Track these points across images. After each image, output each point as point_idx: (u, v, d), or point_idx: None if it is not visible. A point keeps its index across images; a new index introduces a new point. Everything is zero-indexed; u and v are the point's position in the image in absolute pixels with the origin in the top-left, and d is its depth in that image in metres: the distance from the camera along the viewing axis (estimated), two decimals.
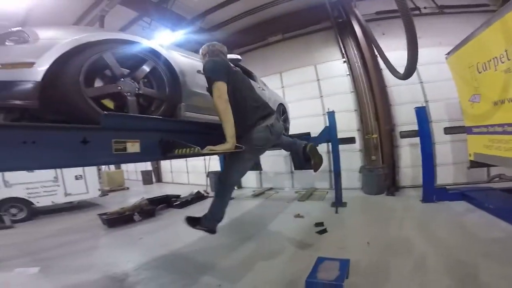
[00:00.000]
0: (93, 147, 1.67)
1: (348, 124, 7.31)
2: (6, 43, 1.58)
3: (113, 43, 1.97)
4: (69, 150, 1.60)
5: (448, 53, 5.21)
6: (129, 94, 1.99)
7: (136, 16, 6.86)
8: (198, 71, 2.64)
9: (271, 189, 8.52)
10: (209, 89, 2.25)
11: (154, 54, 2.25)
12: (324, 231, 4.27)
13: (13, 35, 1.60)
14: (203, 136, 2.53)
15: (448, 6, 6.76)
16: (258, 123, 2.35)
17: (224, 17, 7.58)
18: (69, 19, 6.71)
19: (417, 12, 6.87)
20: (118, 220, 5.59)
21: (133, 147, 1.89)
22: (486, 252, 3.07)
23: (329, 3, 6.87)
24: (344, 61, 7.54)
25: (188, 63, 2.61)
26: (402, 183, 6.97)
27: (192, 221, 2.73)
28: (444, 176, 6.59)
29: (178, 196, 7.55)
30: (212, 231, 2.64)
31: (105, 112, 1.77)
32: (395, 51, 5.91)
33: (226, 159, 2.58)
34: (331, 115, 5.79)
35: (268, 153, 7.72)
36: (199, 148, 1.93)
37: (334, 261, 2.85)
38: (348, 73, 7.50)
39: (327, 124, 6.01)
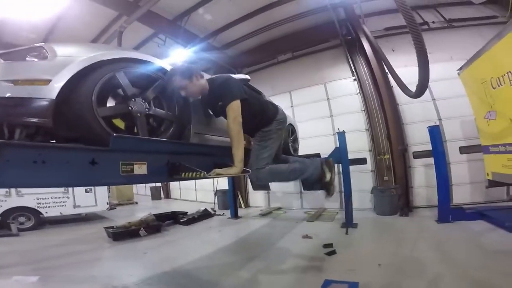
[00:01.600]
0: (101, 168, 1.67)
1: (359, 144, 7.16)
2: (27, 58, 1.60)
3: (126, 62, 1.98)
4: (78, 170, 1.61)
5: (460, 68, 5.10)
6: (139, 114, 1.98)
7: (152, 33, 7.17)
8: None
9: (279, 208, 8.33)
10: (220, 109, 2.26)
11: (165, 74, 2.23)
12: (333, 252, 4.07)
13: (33, 51, 1.63)
14: (210, 158, 2.53)
15: (456, 19, 6.75)
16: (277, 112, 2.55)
17: (234, 35, 7.81)
18: (90, 34, 7.08)
19: (426, 27, 6.89)
20: (124, 234, 5.56)
21: (140, 169, 1.88)
22: (508, 272, 2.84)
23: (338, 20, 6.97)
24: (354, 79, 7.52)
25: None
26: (416, 203, 6.69)
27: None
28: (461, 195, 6.28)
29: (185, 213, 7.47)
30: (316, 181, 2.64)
31: (115, 134, 1.76)
32: (405, 67, 5.90)
33: (254, 148, 2.46)
34: (341, 135, 5.72)
35: None
36: (205, 172, 1.93)
37: (342, 284, 2.68)
38: (358, 91, 7.45)
39: (337, 145, 5.92)
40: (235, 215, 7.43)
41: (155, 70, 2.16)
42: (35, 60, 1.60)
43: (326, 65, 8.04)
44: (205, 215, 7.58)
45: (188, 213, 7.51)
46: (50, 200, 6.77)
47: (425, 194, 6.66)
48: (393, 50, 6.65)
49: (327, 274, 3.30)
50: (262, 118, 2.46)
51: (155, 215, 6.68)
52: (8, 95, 1.46)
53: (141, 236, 5.65)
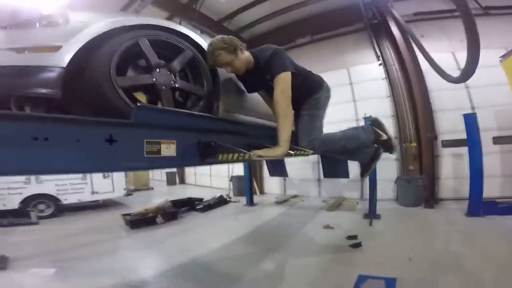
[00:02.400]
0: (120, 148, 1.38)
1: None
2: (37, 25, 1.43)
3: (151, 29, 1.80)
4: (91, 151, 1.31)
5: (503, 56, 4.69)
6: (164, 87, 1.78)
7: (167, 16, 6.87)
8: None
9: (295, 196, 8.15)
10: (268, 82, 2.06)
11: (193, 44, 2.04)
12: (358, 244, 3.89)
13: (43, 18, 1.45)
14: (244, 138, 2.31)
15: (493, 7, 6.18)
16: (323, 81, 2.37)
17: (250, 18, 7.47)
18: None
19: (458, 14, 6.33)
20: (141, 221, 5.53)
21: (168, 149, 1.61)
22: None
23: (363, 3, 6.54)
24: (380, 64, 7.11)
25: None
26: (441, 195, 6.36)
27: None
28: (492, 189, 5.86)
29: (201, 200, 7.42)
30: (376, 154, 2.55)
31: (138, 103, 1.53)
32: (437, 54, 5.43)
33: (303, 119, 2.25)
34: (367, 120, 5.40)
35: (293, 159, 7.48)
36: (249, 154, 1.68)
37: (378, 280, 2.50)
38: (384, 76, 7.05)
39: None
40: (251, 202, 7.32)
41: (182, 40, 1.96)
42: (44, 27, 1.43)
43: (349, 49, 7.63)
44: (221, 201, 7.52)
45: (203, 200, 7.46)
46: (69, 186, 6.79)
47: (452, 186, 6.32)
48: (422, 36, 6.13)
49: (356, 268, 3.13)
50: (310, 84, 2.26)
51: (171, 201, 6.65)
52: (11, 64, 1.28)
53: (158, 223, 5.62)
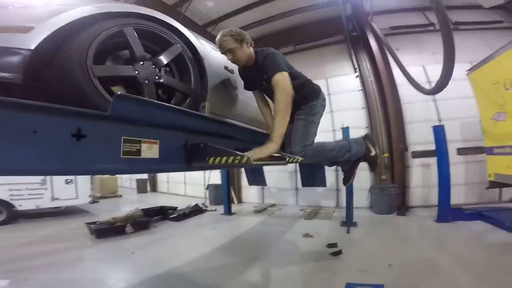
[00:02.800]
0: (91, 146, 1.13)
1: None
2: (10, 7, 1.30)
3: (138, 18, 1.66)
4: (52, 147, 1.03)
5: (470, 69, 5.07)
6: (147, 81, 1.62)
7: None
8: (226, 67, 2.36)
9: (273, 205, 8.10)
10: (264, 82, 2.07)
11: (182, 39, 1.93)
12: (339, 252, 3.88)
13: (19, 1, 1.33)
14: (232, 142, 2.19)
15: (462, 22, 6.75)
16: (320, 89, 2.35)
17: (235, 25, 7.25)
18: None
19: (432, 28, 6.86)
20: (108, 230, 5.10)
21: (150, 150, 1.39)
22: None
23: (345, 16, 6.81)
24: (357, 76, 7.39)
25: (216, 56, 2.30)
26: (412, 203, 6.68)
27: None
28: (457, 196, 6.27)
29: (174, 208, 7.06)
30: (355, 162, 2.57)
31: (119, 93, 1.31)
32: (409, 67, 5.77)
33: (298, 125, 2.20)
34: (345, 131, 5.60)
35: (271, 168, 7.42)
36: (248, 156, 1.51)
37: (366, 287, 2.47)
38: (360, 88, 7.33)
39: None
40: (228, 211, 7.12)
41: (171, 34, 1.84)
42: (19, 8, 1.31)
43: (328, 60, 7.89)
44: (197, 210, 7.21)
45: (178, 208, 7.11)
46: (25, 192, 6.15)
47: (421, 194, 6.67)
48: (397, 49, 6.50)
49: (339, 275, 3.12)
50: (309, 91, 2.25)
51: (142, 210, 6.23)
52: None
53: (127, 233, 5.21)
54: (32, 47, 1.19)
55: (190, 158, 1.67)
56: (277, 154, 1.91)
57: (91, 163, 1.21)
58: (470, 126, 6.07)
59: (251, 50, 2.13)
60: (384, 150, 6.71)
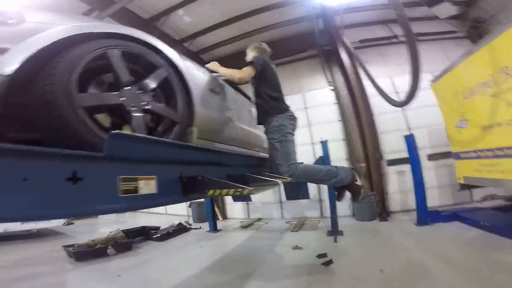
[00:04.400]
0: (88, 188, 1.11)
1: (336, 153, 7.22)
2: None
3: (121, 40, 1.57)
4: (47, 193, 0.99)
5: (433, 80, 5.52)
6: (134, 109, 1.51)
7: None
8: (211, 89, 2.33)
9: (259, 219, 8.05)
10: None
11: (167, 61, 1.84)
12: (329, 262, 3.94)
13: None
14: (224, 169, 2.19)
15: (422, 33, 7.26)
16: (289, 108, 2.62)
17: (211, 41, 7.62)
18: None
19: (395, 40, 7.41)
20: (88, 253, 4.84)
21: (147, 186, 1.38)
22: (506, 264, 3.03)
23: (318, 31, 7.17)
24: (331, 89, 7.71)
25: (201, 77, 2.25)
26: (392, 208, 6.96)
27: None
28: (430, 199, 6.67)
29: (157, 228, 6.81)
30: (345, 186, 2.58)
31: (114, 131, 1.23)
32: (377, 79, 6.14)
33: (275, 147, 2.38)
34: (324, 144, 5.77)
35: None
36: (250, 189, 1.54)
37: None
38: (335, 101, 7.65)
39: (315, 154, 5.91)
40: (214, 229, 6.96)
41: (156, 56, 1.76)
42: None
43: (304, 74, 8.17)
44: (181, 229, 6.98)
45: (160, 228, 6.85)
46: None
47: (399, 199, 6.99)
48: (367, 62, 6.94)
49: (335, 285, 3.18)
50: (277, 101, 2.57)
51: (123, 231, 5.94)
52: None
53: (109, 255, 4.96)
54: (8, 72, 1.06)
55: (187, 190, 1.65)
56: (269, 178, 1.99)
57: (89, 205, 1.16)
58: (437, 133, 6.52)
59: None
60: (361, 160, 6.98)
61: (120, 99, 1.47)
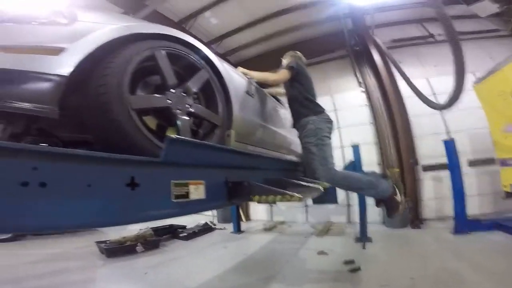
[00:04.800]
0: (144, 194, 1.10)
1: (367, 157, 6.87)
2: (33, 23, 1.15)
3: (167, 41, 1.56)
4: (107, 200, 0.98)
5: (476, 81, 5.10)
6: (179, 112, 1.50)
7: None
8: (247, 92, 2.32)
9: (283, 222, 7.93)
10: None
11: (208, 63, 1.83)
12: (357, 269, 3.76)
13: (43, 16, 1.19)
14: (262, 172, 2.17)
15: (462, 32, 6.78)
16: (325, 111, 2.61)
17: (239, 42, 7.65)
18: None
19: (432, 39, 6.98)
20: (119, 250, 5.01)
21: (197, 191, 1.37)
22: None
23: (346, 31, 6.95)
24: (362, 91, 7.42)
25: (237, 80, 2.25)
26: (425, 215, 6.53)
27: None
28: (470, 207, 6.14)
29: (184, 227, 6.95)
30: (387, 198, 2.46)
31: (172, 136, 1.25)
32: (413, 80, 5.78)
33: (311, 151, 2.33)
34: (356, 148, 5.55)
35: None
36: (299, 196, 1.53)
37: None
38: (366, 103, 7.34)
39: (345, 158, 5.67)
40: (238, 230, 6.98)
41: (199, 58, 1.75)
42: (44, 24, 1.15)
43: (333, 76, 7.93)
44: (206, 229, 7.08)
45: (187, 227, 6.99)
46: None
47: (434, 206, 6.54)
48: (400, 62, 6.60)
49: None
50: (312, 103, 2.58)
51: (152, 228, 6.14)
52: None
53: (138, 252, 5.13)
54: (67, 73, 1.04)
55: (232, 195, 1.63)
56: (310, 185, 1.96)
57: (145, 210, 1.15)
58: (479, 137, 6.04)
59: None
60: (394, 165, 6.61)
61: (167, 101, 1.46)
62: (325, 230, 6.56)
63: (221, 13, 6.46)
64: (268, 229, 7.16)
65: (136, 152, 1.17)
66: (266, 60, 8.13)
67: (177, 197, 1.24)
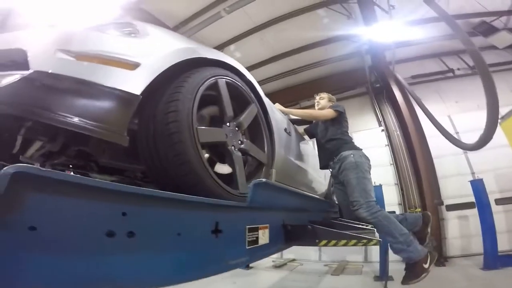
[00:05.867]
0: (225, 241, 0.99)
1: (387, 197, 6.54)
2: (109, 32, 1.05)
3: (225, 70, 1.46)
4: (193, 249, 0.87)
5: (502, 118, 4.97)
6: (233, 147, 1.37)
7: None
8: (285, 129, 2.22)
9: (293, 260, 7.46)
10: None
11: (257, 97, 1.73)
12: None
13: (117, 26, 1.09)
14: (306, 215, 2.13)
15: None
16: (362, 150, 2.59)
17: (261, 76, 7.74)
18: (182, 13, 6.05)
19: (451, 74, 6.94)
20: None
21: (264, 236, 1.29)
22: None
23: (367, 67, 7.01)
24: (382, 130, 7.23)
25: (279, 117, 2.14)
26: (450, 253, 6.20)
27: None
28: (499, 244, 5.70)
29: None
30: (425, 260, 2.17)
31: (260, 179, 1.18)
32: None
33: (351, 184, 2.22)
34: (378, 189, 5.44)
35: None
36: (378, 240, 1.52)
37: None
38: (386, 143, 7.12)
39: None
40: (246, 265, 6.58)
41: (249, 90, 1.65)
42: (117, 36, 1.05)
43: (352, 113, 7.49)
44: None
45: None
46: None
47: (459, 244, 6.22)
48: (421, 99, 6.60)
49: None
50: (351, 140, 2.66)
51: None
52: (59, 71, 0.82)
53: None
54: (139, 92, 0.93)
55: (288, 238, 1.55)
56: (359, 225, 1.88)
57: (224, 260, 1.04)
58: (506, 177, 5.90)
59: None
60: (416, 206, 6.38)
61: (225, 136, 1.34)
62: (341, 268, 6.16)
63: (244, 47, 6.66)
64: (278, 266, 6.76)
65: (196, 191, 1.04)
66: (286, 95, 8.29)
67: (250, 243, 1.15)
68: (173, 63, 1.07)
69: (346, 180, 2.27)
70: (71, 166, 1.38)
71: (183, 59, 1.13)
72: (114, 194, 0.62)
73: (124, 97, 0.89)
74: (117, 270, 0.63)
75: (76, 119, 0.80)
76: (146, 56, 1.00)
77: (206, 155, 1.34)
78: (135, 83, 0.92)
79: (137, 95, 0.91)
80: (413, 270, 2.19)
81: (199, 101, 1.19)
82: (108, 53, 0.93)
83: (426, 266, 2.20)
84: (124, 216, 0.62)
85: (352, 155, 2.34)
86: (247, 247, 1.11)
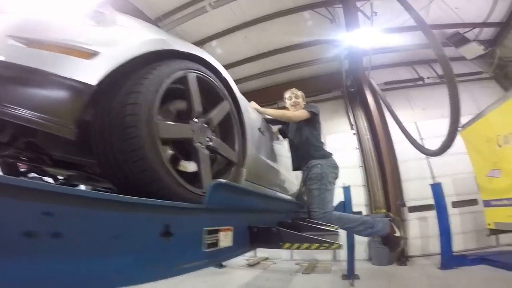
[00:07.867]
0: (176, 244, 0.94)
1: (355, 199, 6.69)
2: (67, 20, 1.02)
3: (197, 64, 1.39)
4: (138, 252, 0.81)
5: (462, 126, 5.34)
6: (199, 145, 1.30)
7: None
8: (259, 129, 2.19)
9: (266, 259, 7.57)
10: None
11: (229, 93, 1.66)
12: None
13: (83, 14, 1.05)
14: (275, 216, 2.11)
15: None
16: (332, 156, 2.62)
17: (240, 74, 7.73)
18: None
19: (421, 82, 7.27)
20: None
21: (226, 238, 1.24)
22: None
23: (345, 71, 7.18)
24: (354, 133, 7.49)
25: (253, 116, 2.09)
26: (411, 253, 6.57)
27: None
28: (454, 244, 6.05)
29: None
30: (393, 230, 2.39)
31: (220, 180, 1.14)
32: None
33: (313, 194, 2.32)
34: (347, 190, 5.63)
35: None
36: (339, 244, 1.51)
37: None
38: (357, 146, 7.37)
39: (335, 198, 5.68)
40: (219, 264, 6.53)
41: (222, 85, 1.58)
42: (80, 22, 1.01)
43: (327, 116, 7.80)
44: None
45: None
46: None
47: (420, 244, 6.63)
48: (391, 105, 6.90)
49: None
50: (321, 146, 2.61)
51: None
52: (9, 59, 0.80)
53: None
54: (95, 82, 0.86)
55: (254, 240, 1.51)
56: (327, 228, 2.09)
57: (177, 264, 0.98)
58: (462, 181, 6.37)
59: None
60: (381, 206, 6.69)
61: (191, 132, 1.27)
62: (311, 267, 6.37)
63: (226, 44, 6.63)
64: (252, 265, 6.82)
65: (153, 189, 0.99)
66: (264, 95, 8.21)
67: (209, 246, 1.09)
68: (138, 54, 1.02)
69: (309, 189, 2.41)
70: (23, 158, 1.31)
71: (151, 51, 1.08)
72: (35, 193, 0.56)
73: (75, 87, 0.83)
74: (43, 271, 0.57)
75: (19, 110, 0.76)
76: (108, 45, 0.95)
77: (171, 152, 1.24)
78: (90, 73, 0.87)
79: (90, 84, 0.85)
80: (390, 242, 2.40)
81: (165, 94, 1.14)
82: (64, 41, 0.88)
83: (397, 234, 2.42)
84: (49, 215, 0.57)
85: (319, 165, 2.41)
86: (205, 250, 1.07)
